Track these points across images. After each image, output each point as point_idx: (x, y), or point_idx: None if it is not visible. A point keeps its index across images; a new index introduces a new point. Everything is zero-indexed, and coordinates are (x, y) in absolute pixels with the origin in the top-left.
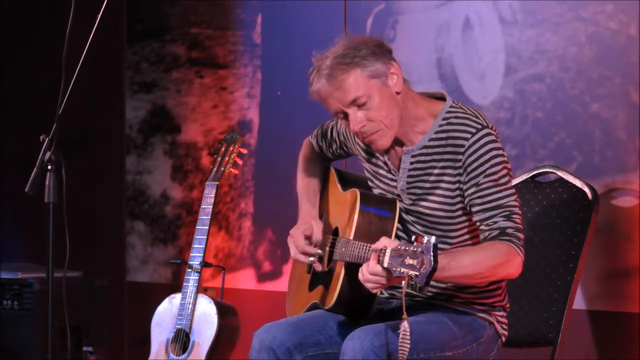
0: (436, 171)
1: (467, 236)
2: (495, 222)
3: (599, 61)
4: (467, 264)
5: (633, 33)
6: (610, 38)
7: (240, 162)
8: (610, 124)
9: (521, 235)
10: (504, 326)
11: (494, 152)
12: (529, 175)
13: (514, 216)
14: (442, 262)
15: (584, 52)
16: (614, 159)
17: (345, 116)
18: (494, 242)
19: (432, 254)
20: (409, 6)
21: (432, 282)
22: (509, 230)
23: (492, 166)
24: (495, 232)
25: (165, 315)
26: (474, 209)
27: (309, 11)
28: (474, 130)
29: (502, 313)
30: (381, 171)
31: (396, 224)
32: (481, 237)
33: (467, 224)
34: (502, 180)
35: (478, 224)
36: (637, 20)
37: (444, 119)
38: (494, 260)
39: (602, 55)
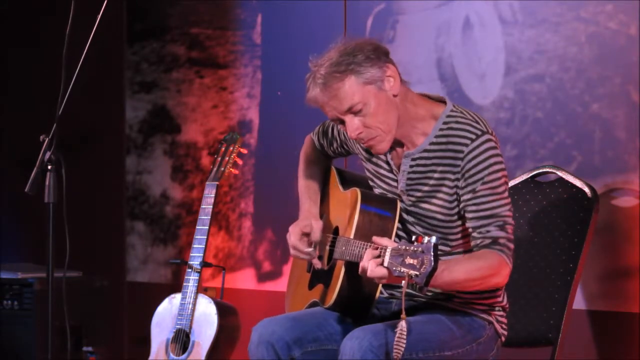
0: (436, 175)
1: (466, 239)
2: (488, 231)
3: (599, 61)
4: (459, 273)
5: (633, 33)
6: (610, 38)
7: (240, 162)
8: (610, 124)
9: (511, 246)
10: (504, 326)
11: (492, 160)
12: (529, 175)
13: (507, 226)
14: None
15: (584, 52)
16: (614, 159)
17: (343, 123)
18: (486, 252)
19: (432, 253)
20: (409, 6)
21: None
22: (501, 241)
23: (490, 174)
24: (488, 241)
25: (165, 315)
26: (469, 215)
27: (309, 11)
28: (474, 137)
29: (501, 313)
30: (383, 171)
31: (396, 224)
32: (472, 243)
33: (465, 227)
34: (499, 189)
35: (471, 230)
36: (637, 20)
37: (445, 122)
38: (485, 270)
39: (602, 55)
